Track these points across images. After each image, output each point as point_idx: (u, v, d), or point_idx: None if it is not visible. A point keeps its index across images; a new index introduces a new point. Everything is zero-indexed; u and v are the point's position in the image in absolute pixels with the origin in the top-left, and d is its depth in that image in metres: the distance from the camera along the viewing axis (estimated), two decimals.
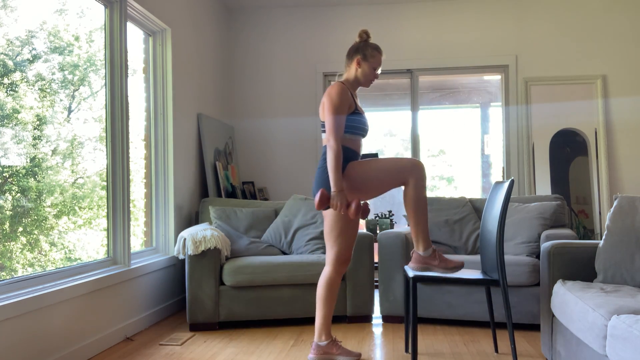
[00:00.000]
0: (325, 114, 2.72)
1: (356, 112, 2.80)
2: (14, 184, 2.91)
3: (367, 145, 5.75)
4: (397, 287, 3.71)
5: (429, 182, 5.84)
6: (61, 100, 3.33)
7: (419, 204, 2.76)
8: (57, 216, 3.27)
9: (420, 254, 2.79)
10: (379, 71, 2.91)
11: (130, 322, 3.46)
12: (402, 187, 2.83)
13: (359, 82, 2.88)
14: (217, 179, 4.75)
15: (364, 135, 2.88)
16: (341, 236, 2.82)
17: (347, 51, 2.90)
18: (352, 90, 2.87)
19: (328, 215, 2.81)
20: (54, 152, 3.21)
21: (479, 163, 5.62)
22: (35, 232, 3.10)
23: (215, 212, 4.10)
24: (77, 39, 3.44)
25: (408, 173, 2.75)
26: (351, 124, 2.78)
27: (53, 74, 3.25)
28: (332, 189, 2.64)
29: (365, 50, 2.84)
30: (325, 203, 2.63)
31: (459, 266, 2.77)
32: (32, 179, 3.03)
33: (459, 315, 3.59)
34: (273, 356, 3.02)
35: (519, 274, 3.43)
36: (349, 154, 2.78)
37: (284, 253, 4.06)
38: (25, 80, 3.00)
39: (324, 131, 2.79)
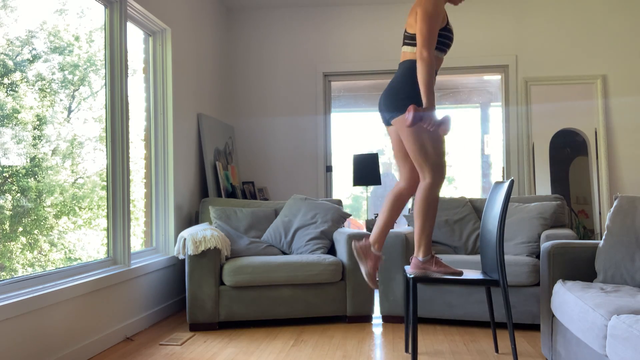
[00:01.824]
0: (418, 22, 2.51)
1: (447, 27, 2.63)
2: (14, 184, 2.91)
3: (368, 146, 5.75)
4: (397, 287, 3.71)
5: None
6: (61, 100, 3.33)
7: (430, 211, 2.70)
8: (57, 216, 3.27)
9: (419, 260, 2.77)
10: None
11: (130, 322, 3.46)
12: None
13: None
14: (217, 179, 4.76)
15: (446, 53, 2.72)
16: (430, 147, 2.58)
17: None
18: (443, 2, 2.68)
19: (409, 134, 2.58)
20: (54, 152, 3.22)
21: (479, 163, 5.62)
22: (35, 232, 3.10)
23: (215, 212, 4.10)
24: (77, 39, 3.44)
25: (436, 171, 2.66)
26: (441, 39, 2.61)
27: (53, 74, 3.25)
28: (426, 104, 2.43)
29: None
30: (418, 120, 2.41)
31: (458, 274, 2.74)
32: (32, 179, 3.03)
33: (459, 315, 3.59)
34: (273, 356, 3.02)
35: (519, 274, 3.43)
36: None
37: (284, 253, 4.06)
38: (25, 80, 3.00)
39: (407, 43, 2.62)
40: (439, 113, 2.55)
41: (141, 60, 4.07)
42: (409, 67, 2.61)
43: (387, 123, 2.75)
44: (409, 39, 2.63)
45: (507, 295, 2.66)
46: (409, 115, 2.43)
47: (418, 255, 2.76)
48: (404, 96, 2.58)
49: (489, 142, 5.56)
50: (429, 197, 2.65)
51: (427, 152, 2.60)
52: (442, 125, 2.49)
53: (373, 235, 2.79)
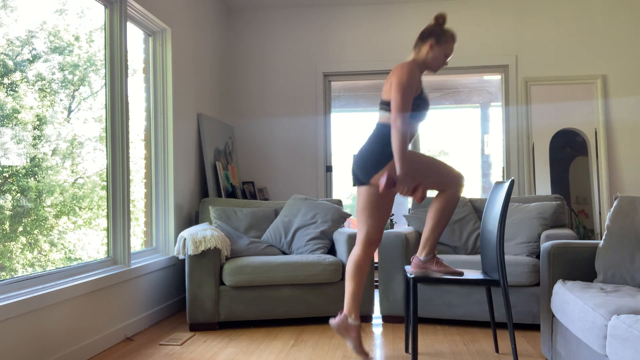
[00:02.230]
0: (392, 91, 2.62)
1: (421, 96, 2.71)
2: (14, 184, 2.91)
3: None
4: (397, 287, 3.71)
5: None
6: (61, 100, 3.33)
7: (445, 215, 2.80)
8: (57, 216, 3.27)
9: (421, 259, 2.82)
10: (450, 58, 2.82)
11: (130, 322, 3.46)
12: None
13: (428, 66, 2.78)
14: (217, 179, 4.76)
15: (422, 121, 2.78)
16: (372, 217, 2.73)
17: (421, 32, 2.79)
18: (418, 72, 2.76)
19: (362, 193, 2.72)
20: (54, 152, 3.22)
21: (479, 163, 5.62)
22: (35, 232, 3.10)
23: (215, 212, 4.10)
24: (77, 39, 3.44)
25: (452, 183, 2.76)
26: (414, 109, 2.68)
27: (53, 74, 3.25)
28: (400, 172, 2.52)
29: (440, 35, 2.75)
30: (391, 187, 2.50)
31: (458, 274, 2.77)
32: (32, 179, 3.03)
33: (459, 315, 3.59)
34: (273, 356, 3.02)
35: (519, 274, 3.43)
36: None
37: (284, 253, 4.06)
38: (25, 80, 3.00)
39: (382, 109, 2.70)
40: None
41: (141, 60, 4.07)
42: (382, 132, 2.70)
43: (355, 184, 2.81)
44: (385, 105, 2.72)
45: (507, 295, 2.66)
46: (382, 179, 2.51)
47: (420, 255, 2.81)
48: (375, 160, 2.68)
49: (489, 142, 5.56)
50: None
51: (367, 219, 2.75)
52: (416, 193, 2.56)
53: (346, 307, 2.84)
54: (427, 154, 2.88)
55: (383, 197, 2.70)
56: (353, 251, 2.84)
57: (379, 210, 2.73)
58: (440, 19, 2.79)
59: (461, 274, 2.76)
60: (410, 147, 2.83)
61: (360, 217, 2.76)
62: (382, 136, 2.69)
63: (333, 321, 2.78)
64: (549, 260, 2.68)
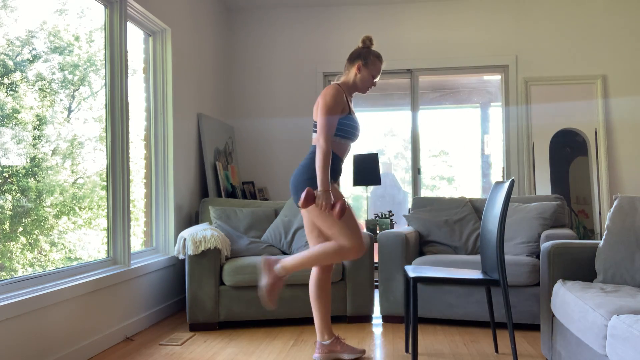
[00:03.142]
0: (318, 114, 2.74)
1: (349, 116, 2.81)
2: (14, 184, 2.91)
3: (368, 146, 5.75)
4: (397, 287, 3.71)
5: (429, 182, 5.84)
6: (61, 100, 3.33)
7: (328, 293, 2.93)
8: (57, 216, 3.27)
9: (325, 344, 2.90)
10: (378, 79, 2.94)
11: (130, 322, 3.46)
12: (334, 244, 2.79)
13: (356, 87, 2.90)
14: (217, 179, 4.76)
15: (353, 140, 2.89)
16: (322, 236, 2.83)
17: (349, 55, 2.91)
18: (347, 94, 2.88)
19: (307, 215, 2.81)
20: (54, 152, 3.22)
21: (479, 163, 5.62)
22: (35, 232, 3.10)
23: (215, 212, 4.10)
24: (77, 39, 3.44)
25: (353, 236, 2.74)
26: (342, 127, 2.79)
27: (53, 74, 3.25)
28: (320, 187, 2.64)
29: (367, 56, 2.86)
30: (310, 202, 2.62)
31: (361, 353, 2.95)
32: (32, 179, 3.03)
33: (459, 315, 3.59)
34: (273, 356, 3.02)
35: (519, 274, 3.43)
36: (333, 159, 2.79)
37: (284, 253, 4.06)
38: (25, 80, 3.00)
39: (314, 131, 2.80)
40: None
41: (141, 60, 4.07)
42: (312, 152, 2.80)
43: (296, 204, 2.84)
44: (314, 126, 2.81)
45: (507, 295, 2.66)
46: (302, 194, 2.63)
47: (323, 340, 2.91)
48: (306, 178, 2.74)
49: (489, 142, 5.56)
50: (316, 284, 2.83)
51: (317, 239, 2.82)
52: (335, 209, 2.63)
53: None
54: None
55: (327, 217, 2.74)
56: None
57: (336, 223, 2.72)
58: (367, 42, 2.91)
59: (363, 352, 2.96)
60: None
61: (310, 238, 2.83)
62: (310, 155, 2.79)
63: (265, 257, 2.84)
64: (549, 260, 2.68)
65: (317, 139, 2.69)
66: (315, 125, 2.80)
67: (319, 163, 2.65)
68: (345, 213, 2.65)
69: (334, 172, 2.80)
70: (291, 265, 2.79)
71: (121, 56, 3.44)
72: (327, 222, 2.72)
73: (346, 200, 2.78)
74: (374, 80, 2.91)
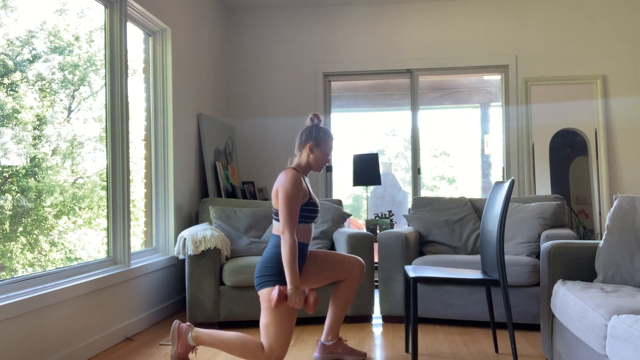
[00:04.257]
0: (279, 204, 2.61)
1: (309, 201, 2.72)
2: (14, 184, 2.92)
3: (368, 146, 5.75)
4: (397, 287, 3.71)
5: (429, 182, 5.84)
6: (61, 100, 3.33)
7: (350, 302, 2.93)
8: (57, 216, 3.28)
9: (327, 345, 2.90)
10: (331, 155, 2.86)
11: (130, 322, 3.46)
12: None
13: (311, 167, 2.80)
14: (217, 179, 4.76)
15: (315, 222, 2.84)
16: (281, 328, 2.59)
17: (299, 135, 2.81)
18: (304, 176, 2.79)
19: (267, 306, 2.60)
20: (54, 152, 3.22)
21: (479, 163, 5.62)
22: (35, 232, 3.10)
23: (215, 212, 4.10)
24: (77, 39, 3.44)
25: (353, 271, 2.87)
26: (304, 214, 2.70)
27: (53, 74, 3.25)
28: (289, 285, 2.50)
29: (317, 136, 2.76)
30: (282, 301, 2.48)
31: (363, 355, 2.92)
32: (32, 179, 3.03)
33: (459, 315, 3.59)
34: None
35: (519, 274, 3.43)
36: (299, 247, 2.70)
37: None
38: (25, 80, 3.00)
39: (276, 219, 2.69)
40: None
41: (141, 60, 4.07)
42: (278, 243, 2.67)
43: (257, 289, 2.73)
44: (275, 215, 2.70)
45: (507, 295, 2.66)
46: (274, 293, 2.48)
47: (326, 341, 2.92)
48: (273, 271, 2.63)
49: (489, 142, 5.56)
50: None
51: (275, 330, 2.60)
52: (307, 303, 2.56)
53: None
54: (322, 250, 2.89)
55: (289, 311, 2.61)
56: (256, 341, 2.62)
57: (287, 323, 2.59)
58: (315, 119, 2.83)
59: (364, 355, 2.92)
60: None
61: (265, 331, 2.60)
62: (278, 248, 2.66)
63: (177, 322, 2.69)
64: (549, 260, 2.68)
65: (282, 231, 2.57)
66: (276, 214, 2.69)
67: (287, 259, 2.52)
68: (292, 314, 2.58)
69: (301, 259, 2.71)
70: (205, 339, 2.63)
71: (121, 56, 3.44)
72: (270, 319, 2.58)
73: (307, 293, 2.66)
74: (328, 157, 2.81)
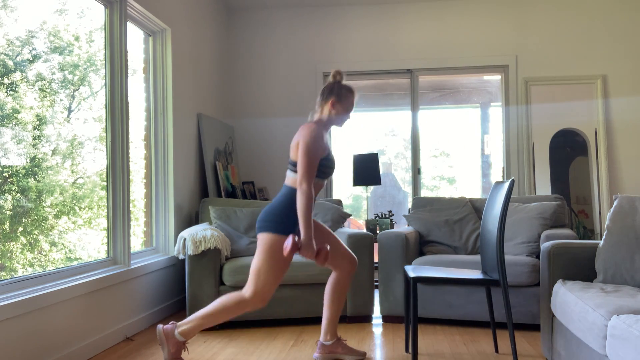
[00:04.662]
0: (299, 155, 2.63)
1: (328, 157, 2.74)
2: (14, 184, 2.92)
3: (368, 146, 5.75)
4: (397, 287, 3.71)
5: (429, 182, 5.85)
6: (61, 100, 3.33)
7: (343, 296, 2.92)
8: (57, 216, 3.28)
9: (327, 344, 2.90)
10: (352, 112, 2.87)
11: (130, 322, 3.46)
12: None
13: (332, 123, 2.82)
14: (217, 179, 4.76)
15: (328, 178, 2.85)
16: (270, 274, 2.63)
17: (321, 91, 2.83)
18: (324, 131, 2.80)
19: (263, 250, 2.63)
20: (54, 152, 3.22)
21: (479, 163, 5.62)
22: (35, 232, 3.10)
23: (215, 212, 4.10)
24: (77, 39, 3.44)
25: (344, 260, 2.86)
26: (321, 169, 2.71)
27: (53, 74, 3.25)
28: (304, 235, 2.53)
29: (340, 92, 2.78)
30: (295, 251, 2.50)
31: (362, 355, 2.92)
32: (32, 179, 3.03)
33: (459, 315, 3.59)
34: (273, 356, 3.02)
35: (519, 274, 3.43)
36: None
37: None
38: (25, 80, 3.00)
39: (292, 170, 2.71)
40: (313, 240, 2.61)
41: (141, 60, 4.07)
42: (289, 193, 2.69)
43: (257, 232, 2.75)
44: (292, 166, 2.72)
45: (507, 295, 2.66)
46: (287, 242, 2.50)
47: (325, 340, 2.91)
48: (278, 219, 2.65)
49: (489, 142, 5.56)
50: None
51: (264, 275, 2.63)
52: (319, 256, 2.58)
53: (187, 324, 2.71)
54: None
55: (284, 258, 2.64)
56: (240, 293, 2.65)
57: (279, 269, 2.63)
58: (337, 76, 2.84)
59: (364, 354, 2.92)
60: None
61: (255, 271, 2.63)
62: (288, 198, 2.68)
63: (160, 326, 2.69)
64: (549, 260, 2.68)
65: (299, 182, 2.58)
66: (292, 165, 2.71)
67: (302, 209, 2.55)
68: (285, 266, 2.60)
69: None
70: (190, 328, 2.64)
71: (121, 56, 3.44)
72: (262, 263, 2.60)
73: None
74: (349, 114, 2.83)
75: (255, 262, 2.63)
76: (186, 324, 2.66)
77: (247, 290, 2.64)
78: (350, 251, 2.95)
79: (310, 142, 2.63)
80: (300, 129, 2.71)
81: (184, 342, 2.67)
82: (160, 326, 2.68)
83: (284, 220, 2.64)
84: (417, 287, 3.49)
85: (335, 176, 5.56)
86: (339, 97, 2.78)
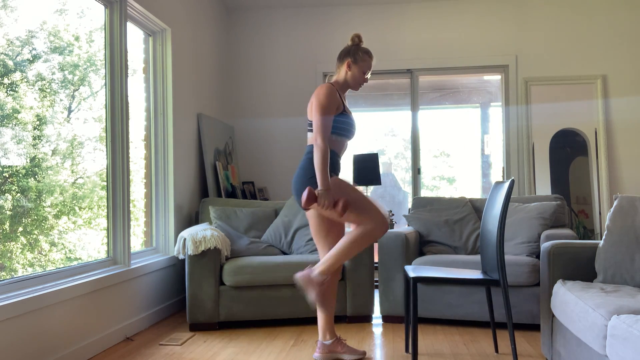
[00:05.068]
0: (313, 113, 2.75)
1: (344, 114, 2.82)
2: (14, 184, 2.92)
3: (368, 146, 5.75)
4: (397, 287, 3.71)
5: (429, 182, 5.84)
6: (61, 100, 3.33)
7: (356, 247, 2.72)
8: (57, 216, 3.28)
9: (326, 344, 2.91)
10: (369, 75, 2.93)
11: (130, 322, 3.46)
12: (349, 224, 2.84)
13: (348, 85, 2.91)
14: (217, 179, 4.75)
15: (349, 137, 2.89)
16: (329, 236, 2.83)
17: (339, 53, 2.92)
18: (341, 92, 2.89)
19: (312, 216, 2.82)
20: (54, 152, 3.22)
21: (479, 163, 5.62)
22: (35, 232, 3.10)
23: (215, 212, 4.10)
24: (77, 39, 3.44)
25: (375, 221, 2.72)
26: (338, 125, 2.80)
27: (53, 74, 3.25)
28: (320, 187, 2.64)
29: (356, 53, 2.86)
30: (312, 201, 2.61)
31: (362, 354, 2.93)
32: (32, 179, 3.03)
33: (459, 315, 3.59)
34: (273, 356, 3.02)
35: (519, 274, 3.43)
36: (331, 156, 2.80)
37: (284, 253, 4.06)
38: (25, 80, 3.00)
39: (310, 130, 2.82)
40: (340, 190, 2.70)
41: (141, 60, 4.07)
42: (309, 150, 2.82)
43: (300, 206, 2.81)
44: (310, 126, 2.83)
45: (507, 295, 2.66)
46: (304, 194, 2.62)
47: (324, 340, 2.91)
48: (305, 180, 2.76)
49: (489, 142, 5.56)
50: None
51: (325, 239, 2.80)
52: (337, 207, 2.63)
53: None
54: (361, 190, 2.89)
55: (350, 187, 2.74)
56: (360, 228, 2.71)
57: (333, 228, 2.79)
58: (355, 39, 2.91)
59: (364, 354, 2.92)
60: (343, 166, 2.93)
61: (318, 239, 2.83)
62: (306, 155, 2.81)
63: (298, 274, 2.76)
64: (549, 260, 2.68)
65: (315, 139, 2.69)
66: (310, 125, 2.82)
67: (317, 162, 2.65)
68: (347, 207, 2.65)
69: (333, 168, 2.81)
70: (327, 267, 2.73)
71: (121, 56, 3.44)
72: (351, 209, 2.71)
73: (353, 185, 2.78)
74: (366, 77, 2.90)
75: (348, 216, 2.69)
76: (320, 266, 2.73)
77: (366, 225, 2.69)
78: (386, 213, 2.82)
79: (323, 99, 2.73)
80: (316, 90, 2.80)
81: (324, 280, 2.72)
82: (298, 274, 2.74)
83: (309, 179, 2.74)
84: (417, 287, 3.49)
85: None
86: (355, 59, 2.86)
